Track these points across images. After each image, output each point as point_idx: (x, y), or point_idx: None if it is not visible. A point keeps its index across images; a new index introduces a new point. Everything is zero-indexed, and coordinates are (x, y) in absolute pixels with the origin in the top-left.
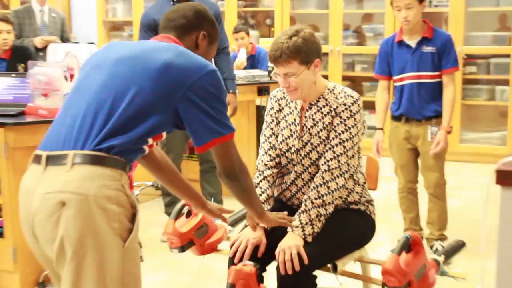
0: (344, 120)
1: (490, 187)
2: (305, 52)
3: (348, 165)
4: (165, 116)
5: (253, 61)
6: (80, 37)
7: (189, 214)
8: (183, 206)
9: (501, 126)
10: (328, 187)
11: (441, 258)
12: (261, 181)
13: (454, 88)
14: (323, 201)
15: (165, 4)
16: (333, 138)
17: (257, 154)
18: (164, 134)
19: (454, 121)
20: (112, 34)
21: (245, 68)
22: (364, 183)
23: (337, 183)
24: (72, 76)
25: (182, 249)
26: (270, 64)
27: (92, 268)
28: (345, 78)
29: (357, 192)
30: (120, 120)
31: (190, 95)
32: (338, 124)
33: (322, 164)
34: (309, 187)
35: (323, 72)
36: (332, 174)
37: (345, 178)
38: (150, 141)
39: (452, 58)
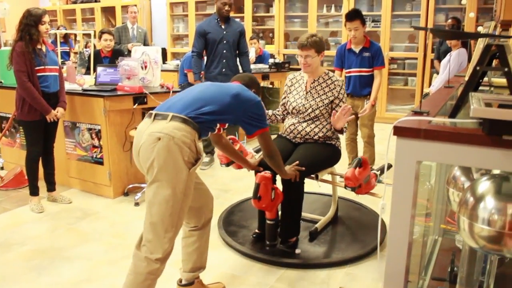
0: (343, 95)
1: (391, 136)
2: (318, 45)
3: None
4: (229, 117)
5: (260, 59)
6: (157, 44)
7: (232, 144)
8: (229, 139)
9: (411, 101)
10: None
11: (378, 173)
12: (278, 111)
13: (380, 79)
14: (346, 128)
15: (212, 20)
16: (337, 105)
17: None
18: (226, 125)
19: (382, 98)
20: (176, 42)
21: (254, 63)
22: None
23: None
24: (146, 67)
25: (227, 165)
26: (271, 61)
27: (169, 178)
28: None
29: (332, 133)
30: (207, 110)
31: (247, 111)
32: (339, 97)
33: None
34: (311, 129)
35: None
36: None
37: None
38: (218, 125)
39: (380, 60)
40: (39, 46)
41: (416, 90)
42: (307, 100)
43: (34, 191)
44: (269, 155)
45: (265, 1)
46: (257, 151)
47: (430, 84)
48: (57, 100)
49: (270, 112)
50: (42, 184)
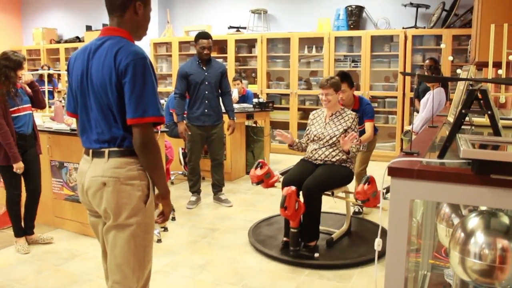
0: (355, 125)
1: (385, 177)
2: (336, 86)
3: (357, 140)
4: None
5: (244, 99)
6: None
7: (261, 166)
8: (259, 162)
9: (392, 139)
10: (356, 149)
11: (385, 191)
12: (303, 141)
13: (371, 132)
14: (353, 152)
15: (194, 62)
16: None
17: (247, 155)
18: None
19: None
20: (159, 82)
21: (238, 103)
22: None
23: (357, 149)
24: None
25: (257, 183)
26: (255, 101)
27: (126, 220)
28: (299, 109)
29: (347, 157)
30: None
31: (127, 79)
32: (351, 127)
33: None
34: (329, 153)
35: (286, 106)
36: (356, 146)
37: (357, 148)
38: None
39: (369, 114)
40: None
41: (396, 128)
42: (326, 129)
43: (19, 233)
44: (142, 146)
45: (247, 42)
46: (282, 174)
47: (410, 122)
48: (33, 141)
49: (296, 140)
50: None
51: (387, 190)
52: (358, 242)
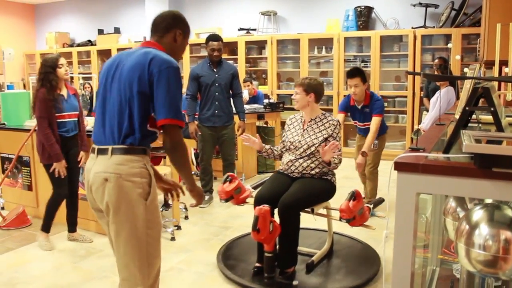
0: (336, 133)
1: (391, 171)
2: (308, 87)
3: (339, 151)
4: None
5: (255, 99)
6: None
7: (230, 180)
8: (228, 176)
9: (402, 138)
10: (338, 160)
11: (371, 206)
12: (277, 147)
13: (376, 127)
14: (335, 163)
15: (204, 64)
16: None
17: (256, 155)
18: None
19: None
20: None
21: (248, 103)
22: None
23: (340, 159)
24: None
25: (226, 200)
26: (265, 101)
27: (126, 217)
28: None
29: (328, 169)
30: (135, 117)
31: (158, 84)
32: (333, 136)
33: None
34: (307, 165)
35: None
36: (338, 156)
37: (340, 159)
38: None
39: (377, 110)
40: (62, 92)
41: (406, 127)
42: (303, 137)
43: (47, 229)
44: (173, 147)
45: (257, 43)
46: (255, 188)
47: (420, 121)
48: (74, 143)
49: (267, 146)
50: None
51: (375, 204)
52: (342, 265)
